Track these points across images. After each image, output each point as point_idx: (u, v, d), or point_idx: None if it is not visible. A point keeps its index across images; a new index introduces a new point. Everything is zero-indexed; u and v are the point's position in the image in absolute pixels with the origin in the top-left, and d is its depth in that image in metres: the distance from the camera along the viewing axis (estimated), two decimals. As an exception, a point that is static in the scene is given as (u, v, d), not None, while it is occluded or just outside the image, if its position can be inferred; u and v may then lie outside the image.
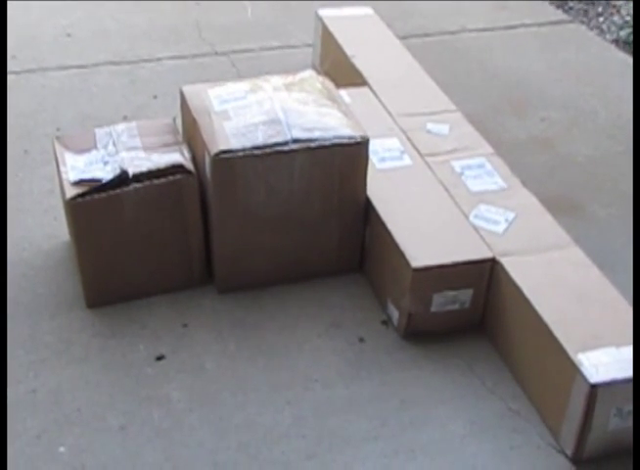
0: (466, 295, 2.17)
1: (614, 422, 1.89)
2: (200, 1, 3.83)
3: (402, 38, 3.19)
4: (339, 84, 2.52)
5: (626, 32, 3.75)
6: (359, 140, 2.20)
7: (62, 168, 2.19)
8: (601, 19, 3.91)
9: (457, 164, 2.42)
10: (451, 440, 1.97)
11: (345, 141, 2.18)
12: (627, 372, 1.86)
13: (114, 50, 3.40)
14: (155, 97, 3.11)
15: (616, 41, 3.72)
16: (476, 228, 2.22)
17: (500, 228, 2.22)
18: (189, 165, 2.17)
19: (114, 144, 2.23)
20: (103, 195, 2.11)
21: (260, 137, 2.14)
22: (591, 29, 3.80)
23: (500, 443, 1.97)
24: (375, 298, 2.31)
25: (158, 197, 2.16)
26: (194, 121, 2.23)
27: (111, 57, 3.35)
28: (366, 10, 3.27)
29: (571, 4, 4.01)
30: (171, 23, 3.64)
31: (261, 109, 2.21)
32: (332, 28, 3.10)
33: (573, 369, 1.87)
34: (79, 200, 2.10)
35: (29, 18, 3.56)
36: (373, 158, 2.35)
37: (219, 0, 3.82)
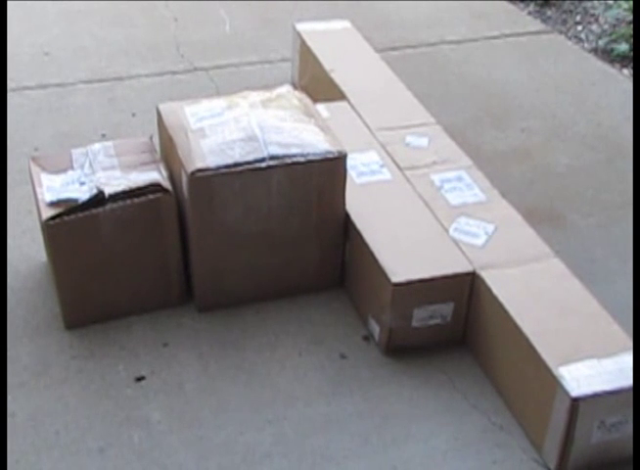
0: (447, 309, 2.16)
1: (597, 435, 1.88)
2: (177, 1, 3.81)
3: (381, 51, 3.19)
4: (318, 99, 2.52)
5: (605, 41, 3.76)
6: (337, 155, 2.19)
7: (38, 189, 2.18)
8: (579, 28, 3.92)
9: (436, 178, 2.41)
10: (434, 456, 1.96)
11: (323, 156, 2.17)
12: (609, 385, 1.85)
13: (93, 68, 3.39)
14: (133, 115, 3.09)
15: (594, 50, 3.73)
16: (456, 242, 2.21)
17: (480, 241, 2.21)
18: (166, 184, 2.16)
19: (91, 164, 2.22)
20: (79, 215, 2.09)
21: (237, 154, 2.13)
22: (569, 39, 3.81)
23: (483, 457, 1.96)
24: (356, 313, 2.30)
25: (135, 216, 2.14)
26: (170, 140, 2.22)
27: (89, 75, 3.33)
28: (344, 23, 3.26)
29: (549, 13, 4.02)
30: (149, 39, 3.62)
31: (238, 126, 2.20)
32: (310, 43, 3.10)
33: (555, 383, 1.86)
34: (55, 221, 2.08)
35: (7, 36, 3.54)
36: (352, 172, 2.35)
37: (197, 14, 3.82)
